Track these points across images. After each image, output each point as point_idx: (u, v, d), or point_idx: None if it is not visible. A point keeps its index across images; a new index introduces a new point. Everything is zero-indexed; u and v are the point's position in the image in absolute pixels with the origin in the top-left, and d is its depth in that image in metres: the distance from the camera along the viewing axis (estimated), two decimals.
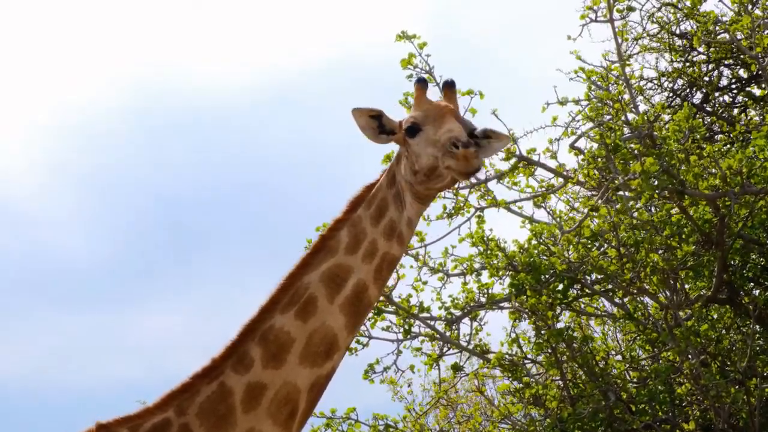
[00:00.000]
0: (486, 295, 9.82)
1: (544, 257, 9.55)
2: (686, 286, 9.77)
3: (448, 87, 4.85)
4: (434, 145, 4.52)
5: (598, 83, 10.39)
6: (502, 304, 9.85)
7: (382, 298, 9.78)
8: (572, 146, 10.16)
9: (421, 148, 4.56)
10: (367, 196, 4.71)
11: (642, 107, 11.18)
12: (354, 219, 4.63)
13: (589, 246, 9.43)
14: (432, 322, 9.94)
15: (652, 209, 9.85)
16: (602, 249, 9.53)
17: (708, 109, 12.28)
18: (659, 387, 9.14)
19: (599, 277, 9.51)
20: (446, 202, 10.13)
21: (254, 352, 4.42)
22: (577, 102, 10.42)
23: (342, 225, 4.63)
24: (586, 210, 9.60)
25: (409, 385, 10.69)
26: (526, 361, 9.91)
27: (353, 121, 4.72)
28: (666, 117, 10.95)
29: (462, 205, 10.08)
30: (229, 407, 4.37)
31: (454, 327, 9.91)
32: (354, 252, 4.57)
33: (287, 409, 4.41)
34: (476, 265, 9.94)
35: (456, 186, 9.64)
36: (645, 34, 11.87)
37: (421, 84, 4.81)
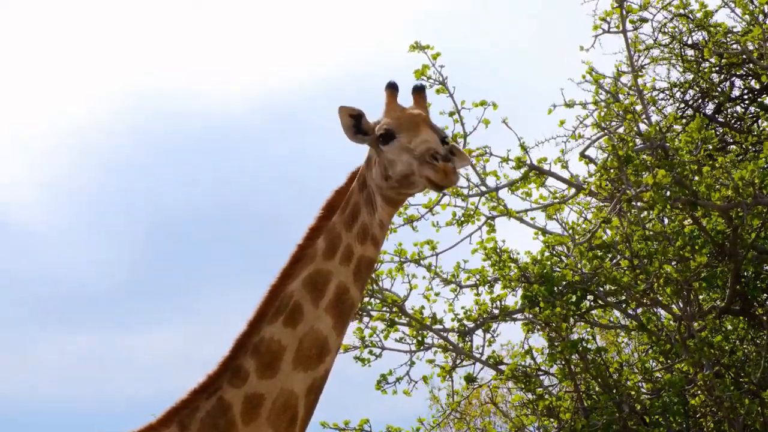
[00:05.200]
0: (499, 307, 9.82)
1: (557, 269, 9.55)
2: (700, 297, 9.75)
3: (418, 92, 4.88)
4: (409, 153, 4.55)
5: (606, 87, 10.40)
6: (515, 316, 9.85)
7: (395, 309, 9.79)
8: (582, 155, 10.16)
9: (395, 155, 4.59)
10: (340, 202, 4.77)
11: (654, 118, 11.19)
12: (329, 226, 4.70)
13: (602, 257, 9.42)
14: (445, 334, 9.94)
15: (665, 220, 9.84)
16: (615, 260, 9.53)
17: (720, 119, 12.27)
18: (673, 398, 9.13)
19: (612, 288, 9.50)
20: (456, 209, 10.14)
21: (248, 364, 4.48)
22: (584, 105, 10.43)
23: (318, 233, 4.70)
24: (598, 221, 9.60)
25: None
26: (539, 373, 9.90)
27: (339, 119, 4.73)
28: (678, 128, 10.95)
29: (472, 213, 10.08)
30: (230, 421, 4.43)
31: (467, 339, 9.91)
32: (331, 257, 4.64)
33: (287, 416, 4.46)
34: (489, 277, 9.94)
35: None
36: (656, 45, 11.88)
37: (392, 89, 4.82)
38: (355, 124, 4.74)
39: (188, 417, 4.45)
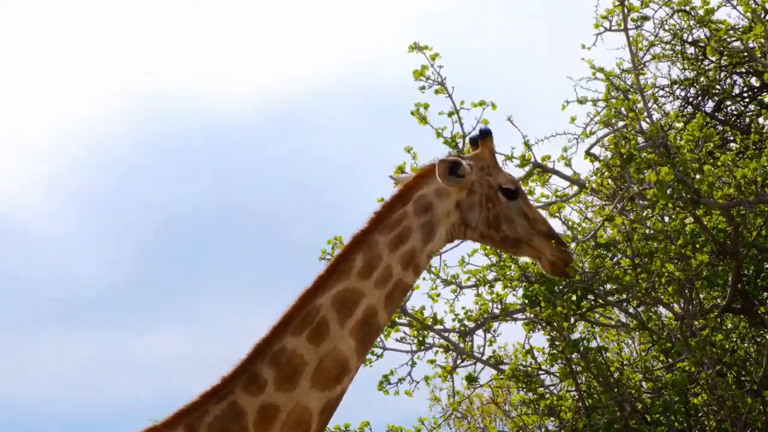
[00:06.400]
0: (500, 307, 9.80)
1: None
2: (701, 296, 9.72)
3: (489, 136, 5.18)
4: (528, 222, 4.97)
5: (617, 86, 10.36)
6: (516, 316, 9.83)
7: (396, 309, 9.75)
8: (588, 152, 10.12)
9: (516, 215, 4.92)
10: (385, 219, 4.72)
11: (655, 115, 11.16)
12: (370, 242, 4.66)
13: (603, 256, 9.39)
14: (446, 334, 9.92)
15: (666, 219, 9.81)
16: (616, 259, 9.49)
17: (720, 117, 12.25)
18: (674, 397, 9.10)
19: (613, 287, 9.47)
20: None
21: (266, 373, 4.44)
22: (595, 103, 10.40)
23: (357, 247, 4.66)
24: (599, 219, 9.57)
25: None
26: (540, 372, 9.88)
27: (437, 169, 4.85)
28: (679, 125, 10.92)
29: None
30: (242, 428, 4.38)
31: (467, 338, 9.88)
32: (367, 277, 4.60)
33: (300, 431, 4.42)
34: (489, 277, 9.92)
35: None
36: (658, 41, 11.85)
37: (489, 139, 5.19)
38: (451, 168, 4.84)
39: (197, 420, 4.39)
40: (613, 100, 10.08)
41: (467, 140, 9.83)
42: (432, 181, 4.85)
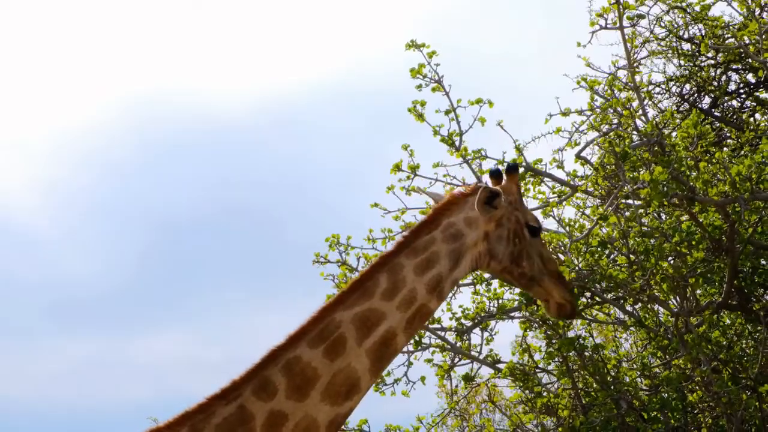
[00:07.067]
0: (496, 305, 9.80)
1: None
2: (697, 293, 9.73)
3: (516, 171, 5.34)
4: (541, 260, 5.08)
5: (601, 93, 10.36)
6: (512, 314, 9.83)
7: None
8: (578, 156, 10.13)
9: (534, 253, 5.02)
10: (412, 243, 4.76)
11: (651, 113, 11.15)
12: (394, 265, 4.69)
13: (599, 254, 9.39)
14: (443, 333, 9.93)
15: (662, 216, 9.81)
16: (612, 257, 9.50)
17: (716, 114, 12.24)
18: (671, 394, 9.12)
19: (609, 285, 9.47)
20: None
21: (278, 380, 4.46)
22: (580, 113, 10.40)
23: (382, 268, 4.68)
24: (595, 218, 9.57)
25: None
26: (537, 371, 9.89)
27: (478, 195, 4.95)
28: (677, 120, 10.91)
29: None
30: (249, 431, 4.39)
31: (465, 337, 9.89)
32: (390, 299, 4.62)
33: None
34: (486, 275, 9.91)
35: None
36: (653, 38, 11.84)
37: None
38: (488, 198, 4.92)
39: (202, 422, 4.40)
40: (598, 109, 10.09)
41: (464, 138, 9.84)
42: (462, 209, 4.91)
